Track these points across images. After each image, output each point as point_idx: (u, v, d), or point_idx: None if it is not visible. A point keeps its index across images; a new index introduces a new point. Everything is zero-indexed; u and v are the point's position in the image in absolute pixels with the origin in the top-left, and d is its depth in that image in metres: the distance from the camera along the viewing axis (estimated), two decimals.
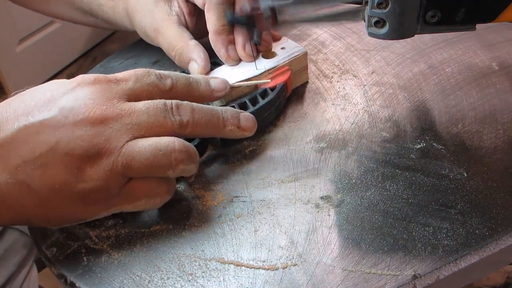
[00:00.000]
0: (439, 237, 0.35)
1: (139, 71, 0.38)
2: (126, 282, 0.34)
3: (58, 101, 0.34)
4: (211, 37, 0.48)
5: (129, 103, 0.36)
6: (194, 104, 0.38)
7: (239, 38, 0.48)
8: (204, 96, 0.41)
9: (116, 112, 0.35)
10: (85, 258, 0.36)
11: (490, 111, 0.44)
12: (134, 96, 0.37)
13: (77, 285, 0.35)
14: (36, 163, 0.33)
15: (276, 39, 0.50)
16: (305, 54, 0.49)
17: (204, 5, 0.49)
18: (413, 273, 0.33)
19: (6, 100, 0.36)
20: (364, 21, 0.41)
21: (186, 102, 0.38)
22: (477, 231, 0.35)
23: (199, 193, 0.40)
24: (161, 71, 0.39)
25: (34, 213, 0.34)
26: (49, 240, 0.38)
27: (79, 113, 0.34)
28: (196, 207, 0.39)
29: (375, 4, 0.38)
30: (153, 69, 0.39)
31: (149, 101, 0.37)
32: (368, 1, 0.39)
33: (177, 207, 0.39)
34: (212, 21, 0.48)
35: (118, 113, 0.35)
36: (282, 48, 0.49)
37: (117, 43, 2.17)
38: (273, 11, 0.44)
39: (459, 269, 0.33)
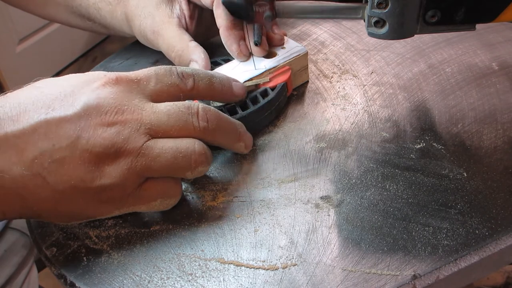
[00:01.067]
0: (439, 237, 0.34)
1: (161, 70, 0.38)
2: (126, 282, 0.34)
3: (81, 97, 0.35)
4: (222, 32, 0.48)
5: (151, 103, 0.36)
6: (221, 113, 0.39)
7: (251, 33, 0.47)
8: (224, 98, 0.42)
9: (136, 113, 0.35)
10: (85, 258, 0.36)
11: (490, 111, 0.44)
12: (155, 96, 0.37)
13: (77, 285, 0.34)
14: (53, 157, 0.33)
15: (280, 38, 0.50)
16: (305, 54, 0.49)
17: (212, 3, 0.48)
18: (413, 273, 0.33)
19: (20, 89, 0.35)
20: (364, 21, 0.41)
21: (213, 108, 0.38)
22: (477, 231, 0.35)
23: (199, 193, 0.40)
24: (183, 69, 0.39)
25: (46, 207, 0.34)
26: (49, 240, 0.38)
27: (101, 112, 0.34)
28: (196, 207, 0.39)
29: (375, 4, 0.38)
30: (175, 67, 0.39)
31: (171, 103, 0.37)
32: (368, 1, 0.39)
33: (177, 207, 0.39)
34: (222, 16, 0.48)
35: (139, 114, 0.35)
36: (283, 48, 0.49)
37: (117, 43, 2.17)
38: (272, 3, 0.43)
39: (459, 269, 0.33)
